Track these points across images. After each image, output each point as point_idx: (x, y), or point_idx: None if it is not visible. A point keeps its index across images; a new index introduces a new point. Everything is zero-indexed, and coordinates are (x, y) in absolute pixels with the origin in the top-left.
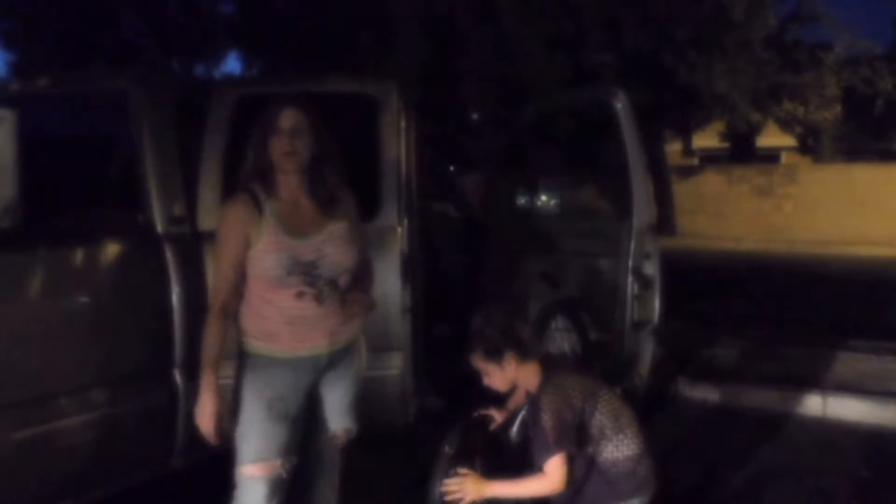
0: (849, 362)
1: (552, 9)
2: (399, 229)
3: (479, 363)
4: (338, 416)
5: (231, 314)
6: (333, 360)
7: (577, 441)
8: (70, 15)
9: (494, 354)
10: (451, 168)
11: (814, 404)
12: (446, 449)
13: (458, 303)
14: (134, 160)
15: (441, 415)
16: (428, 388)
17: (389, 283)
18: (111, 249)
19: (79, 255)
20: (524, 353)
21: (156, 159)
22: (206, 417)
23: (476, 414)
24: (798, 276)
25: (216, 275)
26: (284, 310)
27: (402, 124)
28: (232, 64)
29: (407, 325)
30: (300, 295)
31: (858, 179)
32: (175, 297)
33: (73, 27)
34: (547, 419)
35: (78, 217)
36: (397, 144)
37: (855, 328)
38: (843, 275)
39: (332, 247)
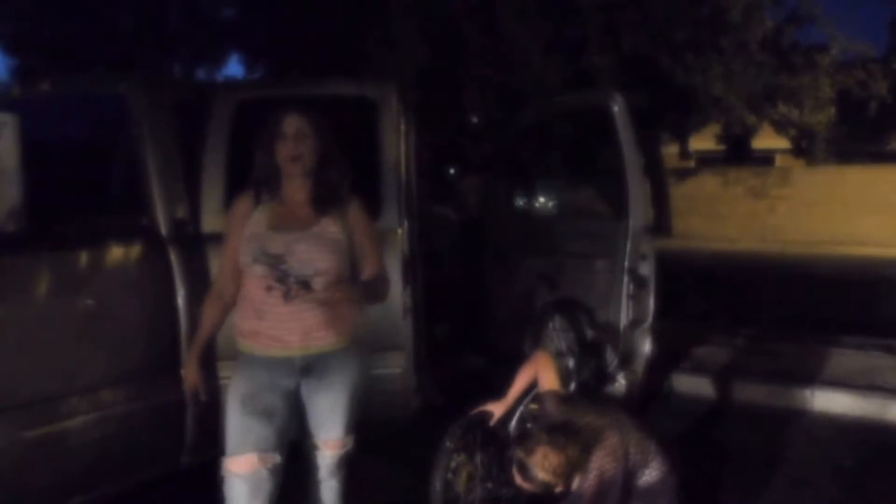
0: (836, 358)
1: (550, 12)
2: (399, 231)
3: (528, 483)
4: (327, 426)
5: (227, 301)
6: (310, 365)
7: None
8: (71, 19)
9: (561, 479)
10: (451, 171)
11: (801, 398)
12: (447, 444)
13: (457, 303)
14: (137, 164)
15: (442, 411)
16: (429, 385)
17: (391, 284)
18: (115, 252)
19: (84, 259)
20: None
21: (158, 163)
22: (190, 373)
23: (476, 410)
24: (790, 276)
25: (220, 264)
26: (255, 302)
27: (402, 127)
28: (234, 67)
29: (408, 325)
30: (269, 289)
31: (851, 181)
32: (180, 299)
33: (74, 31)
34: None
35: (82, 221)
36: (397, 147)
37: (843, 325)
38: (833, 274)
39: (305, 245)
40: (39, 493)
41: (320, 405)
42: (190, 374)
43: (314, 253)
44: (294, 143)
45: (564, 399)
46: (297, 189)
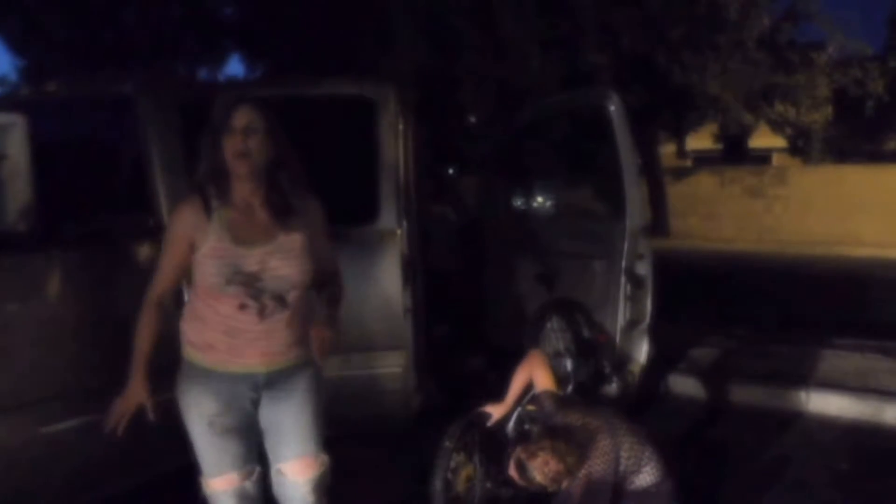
0: (831, 359)
1: (548, 11)
2: (398, 231)
3: (522, 481)
4: (297, 442)
5: (166, 307)
6: (274, 381)
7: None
8: (76, 19)
9: (556, 484)
10: (450, 170)
11: (797, 400)
12: (447, 443)
13: (457, 303)
14: (142, 164)
15: (441, 411)
16: (429, 385)
17: (390, 285)
18: (123, 252)
19: (91, 258)
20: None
21: (163, 162)
22: (122, 406)
23: (475, 411)
24: (786, 277)
25: (158, 271)
26: (226, 319)
27: (401, 127)
28: (234, 66)
29: (408, 325)
30: (242, 307)
31: (848, 181)
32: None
33: (80, 31)
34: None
35: (89, 221)
36: (396, 147)
37: (839, 326)
38: (830, 275)
39: (279, 259)
40: (55, 489)
41: (284, 420)
42: (136, 393)
43: (288, 268)
44: (242, 136)
45: (561, 399)
46: (248, 192)
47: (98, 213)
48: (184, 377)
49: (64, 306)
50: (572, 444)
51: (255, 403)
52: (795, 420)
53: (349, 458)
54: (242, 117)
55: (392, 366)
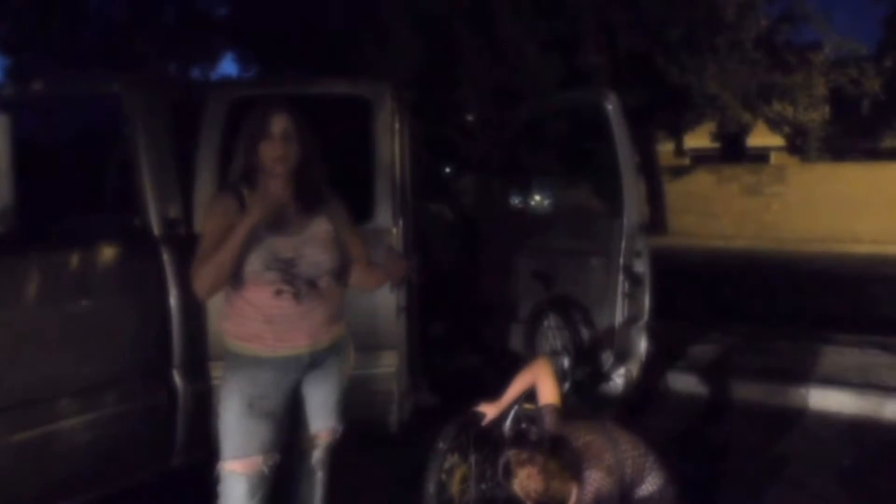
0: (831, 355)
1: (546, 11)
2: (394, 230)
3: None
4: (322, 416)
5: None
6: (316, 360)
7: None
8: (66, 18)
9: (530, 500)
10: (447, 169)
11: (797, 396)
12: (441, 445)
13: (452, 302)
14: (129, 163)
15: (435, 411)
16: (422, 385)
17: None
18: (108, 253)
19: (75, 259)
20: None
21: (151, 162)
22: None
23: (470, 410)
24: (785, 274)
25: (200, 255)
26: (264, 308)
27: (397, 126)
28: (228, 66)
29: (402, 324)
30: (278, 293)
31: (845, 178)
32: (173, 299)
33: (69, 30)
34: None
35: (74, 221)
36: (391, 146)
37: (838, 323)
38: (828, 272)
39: (311, 247)
40: (28, 498)
41: (319, 396)
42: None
43: (320, 254)
44: (280, 143)
45: (563, 414)
46: (281, 188)
47: (83, 213)
48: (230, 367)
49: (44, 309)
50: (566, 469)
51: (297, 384)
52: (796, 417)
53: (340, 460)
54: (279, 124)
55: (385, 366)
